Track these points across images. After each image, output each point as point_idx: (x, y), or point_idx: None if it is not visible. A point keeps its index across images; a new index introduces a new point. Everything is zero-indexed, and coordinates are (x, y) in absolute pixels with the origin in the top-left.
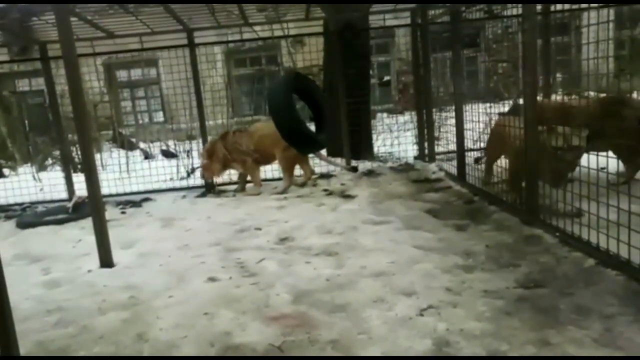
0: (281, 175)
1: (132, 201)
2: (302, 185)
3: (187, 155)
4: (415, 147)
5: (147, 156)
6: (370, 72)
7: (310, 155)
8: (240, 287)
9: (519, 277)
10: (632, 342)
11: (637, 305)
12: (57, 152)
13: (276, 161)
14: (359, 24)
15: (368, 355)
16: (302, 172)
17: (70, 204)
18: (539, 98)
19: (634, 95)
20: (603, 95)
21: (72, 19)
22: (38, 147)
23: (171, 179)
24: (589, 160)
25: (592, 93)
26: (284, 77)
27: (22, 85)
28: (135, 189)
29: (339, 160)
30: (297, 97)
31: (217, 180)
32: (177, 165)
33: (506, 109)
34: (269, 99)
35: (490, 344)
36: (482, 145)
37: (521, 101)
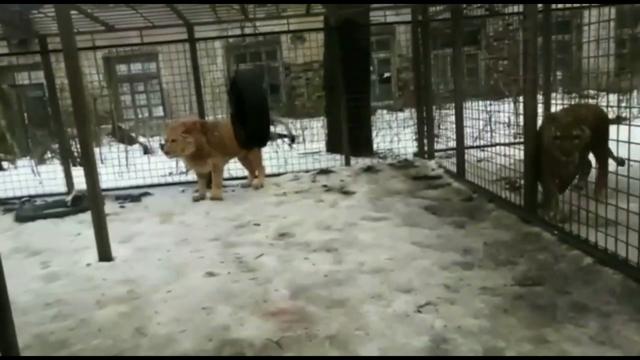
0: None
1: (131, 195)
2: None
3: None
4: (415, 143)
5: (147, 151)
6: (371, 68)
7: None
8: (238, 282)
9: (517, 274)
10: (629, 341)
11: (634, 303)
12: (56, 146)
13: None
14: (359, 20)
15: (365, 351)
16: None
17: (69, 198)
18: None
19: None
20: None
21: (72, 12)
22: (37, 141)
23: (170, 174)
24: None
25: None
26: (253, 75)
27: (22, 78)
28: (134, 183)
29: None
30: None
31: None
32: (177, 160)
33: (506, 106)
34: (248, 93)
35: (487, 341)
36: (482, 142)
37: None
